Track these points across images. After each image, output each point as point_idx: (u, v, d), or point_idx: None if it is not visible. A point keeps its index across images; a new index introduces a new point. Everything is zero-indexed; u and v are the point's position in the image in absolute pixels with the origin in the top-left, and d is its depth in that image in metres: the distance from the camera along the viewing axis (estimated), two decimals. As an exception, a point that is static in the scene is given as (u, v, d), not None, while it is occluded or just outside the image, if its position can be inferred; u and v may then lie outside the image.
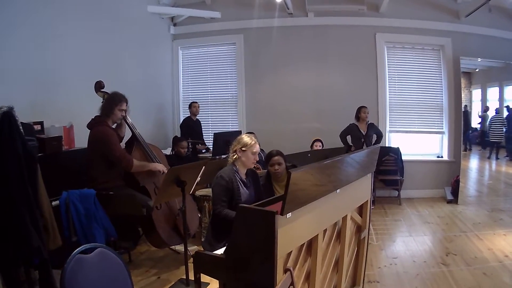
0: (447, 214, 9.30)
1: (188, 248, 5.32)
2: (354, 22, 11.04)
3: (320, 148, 9.31)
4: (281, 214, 2.70)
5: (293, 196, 2.77)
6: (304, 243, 3.24)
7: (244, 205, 3.02)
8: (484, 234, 7.73)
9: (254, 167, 5.79)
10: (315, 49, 11.31)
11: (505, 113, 11.45)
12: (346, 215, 3.94)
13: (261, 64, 11.60)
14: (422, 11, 10.87)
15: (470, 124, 11.97)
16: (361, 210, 4.57)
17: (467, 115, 11.75)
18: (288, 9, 10.98)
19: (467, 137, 11.92)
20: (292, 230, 2.91)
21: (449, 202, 10.32)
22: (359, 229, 4.57)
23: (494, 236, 7.64)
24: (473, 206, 10.03)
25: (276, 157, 5.90)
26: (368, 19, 10.99)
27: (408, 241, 7.51)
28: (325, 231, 3.57)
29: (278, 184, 5.87)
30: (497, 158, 11.93)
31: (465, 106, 11.64)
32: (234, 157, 5.23)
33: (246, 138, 5.24)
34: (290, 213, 2.81)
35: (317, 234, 3.33)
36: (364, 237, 4.66)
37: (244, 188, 5.20)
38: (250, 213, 2.89)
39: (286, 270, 2.92)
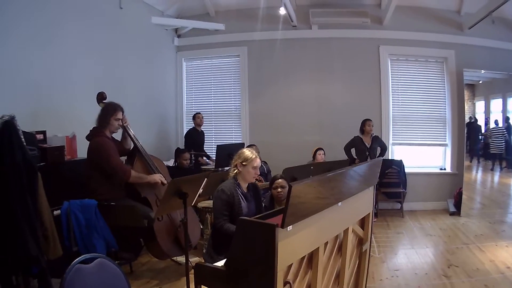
0: (450, 226, 9.28)
1: (190, 260, 5.29)
2: (357, 34, 11.08)
3: (323, 156, 9.36)
4: (282, 227, 2.68)
5: (294, 209, 2.75)
6: (304, 256, 3.23)
7: (245, 217, 3.01)
8: (486, 246, 7.71)
9: (256, 179, 5.79)
10: (319, 62, 11.34)
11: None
12: (348, 228, 3.93)
13: (264, 76, 11.61)
14: (425, 23, 10.91)
15: (479, 136, 11.96)
16: (363, 222, 4.55)
17: (475, 127, 11.77)
18: (292, 21, 11.02)
19: (477, 150, 11.98)
20: (293, 243, 2.88)
21: (452, 214, 10.30)
22: (360, 242, 4.54)
23: (496, 248, 7.63)
24: (476, 218, 10.00)
25: (279, 180, 5.93)
26: (371, 31, 11.02)
27: (410, 254, 7.48)
28: (326, 243, 3.56)
29: (281, 207, 5.85)
30: (501, 169, 11.91)
31: (476, 119, 11.69)
32: (235, 171, 5.26)
33: (247, 153, 5.27)
34: (291, 226, 2.78)
35: (318, 247, 3.31)
36: (366, 249, 4.64)
37: (245, 201, 5.22)
38: (250, 226, 2.88)
39: (285, 283, 2.91)
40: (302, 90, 11.47)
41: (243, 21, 11.56)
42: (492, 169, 12.05)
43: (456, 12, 10.99)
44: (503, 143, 11.50)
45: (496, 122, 11.59)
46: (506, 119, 11.49)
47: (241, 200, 5.15)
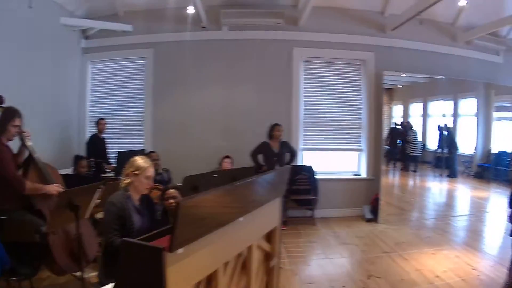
0: (367, 234, 9.22)
1: (89, 275, 4.96)
2: (270, 36, 10.98)
3: (230, 165, 9.17)
4: (170, 251, 2.35)
5: (184, 229, 2.41)
6: (202, 279, 2.91)
7: (127, 239, 2.67)
8: (409, 254, 7.66)
9: (156, 188, 5.50)
10: (229, 65, 11.19)
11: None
12: (252, 244, 3.64)
13: (171, 80, 11.37)
14: (344, 24, 11.01)
15: (398, 140, 12.18)
16: (270, 236, 4.27)
17: (397, 132, 11.93)
18: (202, 22, 10.77)
19: (395, 154, 12.17)
20: (186, 267, 2.56)
21: (369, 221, 10.31)
22: (268, 257, 4.27)
23: (421, 255, 7.59)
24: (395, 224, 10.02)
25: (171, 190, 5.68)
26: (286, 33, 10.95)
27: (324, 264, 7.30)
28: (227, 263, 3.25)
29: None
30: (414, 171, 12.08)
31: (396, 123, 11.91)
32: (127, 181, 4.90)
33: (139, 161, 4.92)
34: (182, 248, 2.46)
35: (217, 269, 3.00)
36: (274, 265, 4.37)
37: (138, 215, 4.85)
38: (134, 248, 2.54)
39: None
40: (210, 94, 11.30)
41: (151, 22, 11.30)
42: (414, 171, 12.25)
43: (380, 13, 11.12)
44: (419, 146, 11.72)
45: (410, 125, 11.83)
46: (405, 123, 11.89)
47: (133, 213, 4.80)
